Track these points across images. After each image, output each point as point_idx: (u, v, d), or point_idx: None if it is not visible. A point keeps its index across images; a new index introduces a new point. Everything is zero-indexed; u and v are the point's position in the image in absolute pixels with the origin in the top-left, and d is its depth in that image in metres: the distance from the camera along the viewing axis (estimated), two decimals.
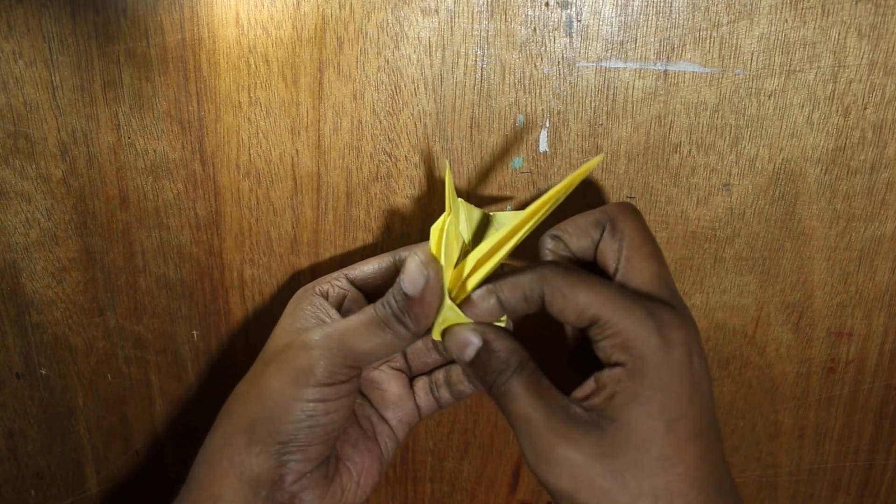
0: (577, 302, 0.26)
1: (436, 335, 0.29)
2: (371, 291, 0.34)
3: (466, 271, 0.28)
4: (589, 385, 0.27)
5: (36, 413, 0.43)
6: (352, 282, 0.33)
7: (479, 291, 0.28)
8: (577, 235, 0.30)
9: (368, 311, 0.29)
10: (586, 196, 0.36)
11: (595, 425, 0.26)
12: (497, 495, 0.42)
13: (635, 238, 0.28)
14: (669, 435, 0.25)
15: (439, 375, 0.35)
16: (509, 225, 0.28)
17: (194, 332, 0.40)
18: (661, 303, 0.27)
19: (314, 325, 0.31)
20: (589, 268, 0.29)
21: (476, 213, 0.30)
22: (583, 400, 0.27)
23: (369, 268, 0.33)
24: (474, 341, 0.29)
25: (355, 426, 0.33)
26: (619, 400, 0.26)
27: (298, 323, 0.31)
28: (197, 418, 0.42)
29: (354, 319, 0.29)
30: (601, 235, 0.29)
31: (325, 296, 0.33)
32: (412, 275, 0.28)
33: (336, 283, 0.33)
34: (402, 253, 0.33)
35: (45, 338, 0.41)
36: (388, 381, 0.34)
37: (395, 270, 0.33)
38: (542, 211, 0.27)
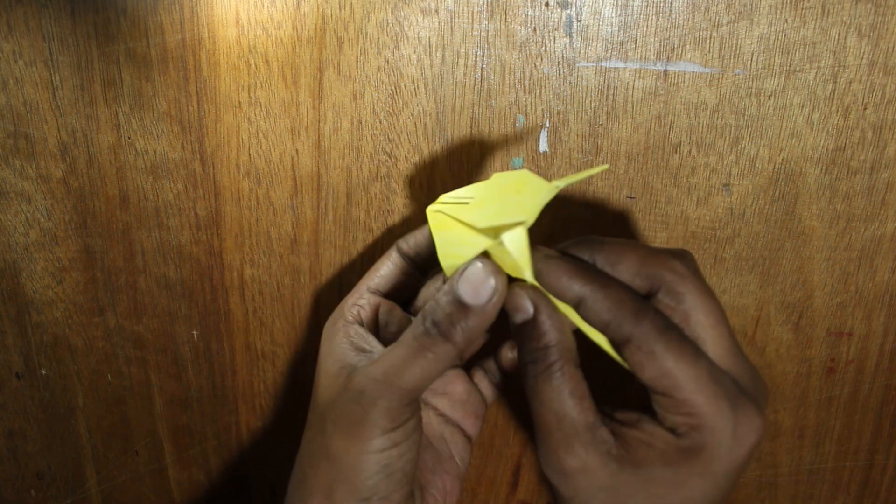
0: (663, 367, 0.25)
1: (448, 271, 0.27)
2: (394, 294, 0.32)
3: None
4: (630, 418, 0.27)
5: (36, 413, 0.43)
6: (375, 292, 0.31)
7: (564, 268, 0.26)
8: (623, 273, 0.27)
9: (406, 339, 0.27)
10: (585, 195, 0.36)
11: (615, 459, 0.26)
12: (497, 495, 0.42)
13: (701, 301, 0.26)
14: None
15: (491, 363, 0.34)
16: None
17: (194, 332, 0.40)
18: (742, 391, 0.26)
19: (357, 359, 0.29)
20: None
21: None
22: (617, 422, 0.27)
23: (385, 270, 0.32)
24: (527, 309, 0.26)
25: (429, 450, 0.32)
26: (656, 459, 0.25)
27: (339, 362, 0.29)
28: (197, 418, 0.42)
29: (396, 353, 0.27)
30: (651, 288, 0.27)
31: (359, 320, 0.30)
32: (475, 282, 0.26)
33: (361, 300, 0.31)
34: (403, 245, 0.32)
35: (45, 338, 0.41)
36: (451, 383, 0.33)
37: (408, 263, 0.32)
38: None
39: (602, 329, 0.26)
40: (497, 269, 0.26)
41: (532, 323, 0.27)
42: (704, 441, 0.25)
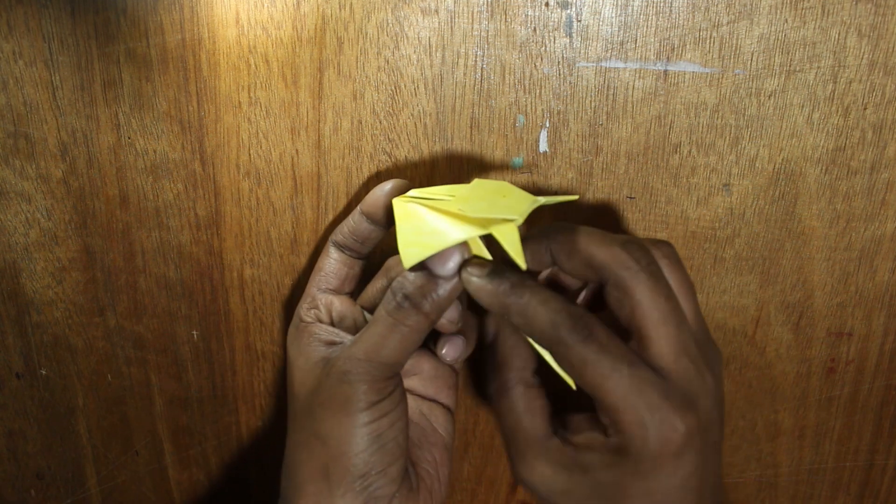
0: (582, 376, 0.26)
1: (408, 261, 0.27)
2: (342, 287, 0.34)
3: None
4: (580, 423, 0.28)
5: (36, 413, 0.43)
6: (325, 291, 0.33)
7: (488, 289, 0.27)
8: (570, 266, 0.28)
9: (380, 316, 0.28)
10: (585, 195, 0.36)
11: (565, 467, 0.27)
12: (497, 495, 0.42)
13: (649, 297, 0.26)
14: None
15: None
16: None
17: (194, 332, 0.40)
18: (667, 395, 0.25)
19: (331, 350, 0.30)
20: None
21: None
22: (569, 430, 0.28)
23: (328, 267, 0.33)
24: (490, 332, 0.29)
25: (412, 427, 0.33)
26: (596, 461, 0.26)
27: (314, 357, 0.30)
28: (197, 418, 0.42)
29: (372, 331, 0.28)
30: (600, 280, 0.28)
31: (318, 319, 0.32)
32: (442, 254, 0.27)
33: (314, 302, 0.33)
34: (338, 237, 0.33)
35: (45, 338, 0.41)
36: (418, 362, 0.34)
37: (346, 254, 0.33)
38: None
39: (531, 338, 0.28)
40: (462, 244, 0.27)
41: (492, 344, 0.29)
42: (627, 442, 0.26)
